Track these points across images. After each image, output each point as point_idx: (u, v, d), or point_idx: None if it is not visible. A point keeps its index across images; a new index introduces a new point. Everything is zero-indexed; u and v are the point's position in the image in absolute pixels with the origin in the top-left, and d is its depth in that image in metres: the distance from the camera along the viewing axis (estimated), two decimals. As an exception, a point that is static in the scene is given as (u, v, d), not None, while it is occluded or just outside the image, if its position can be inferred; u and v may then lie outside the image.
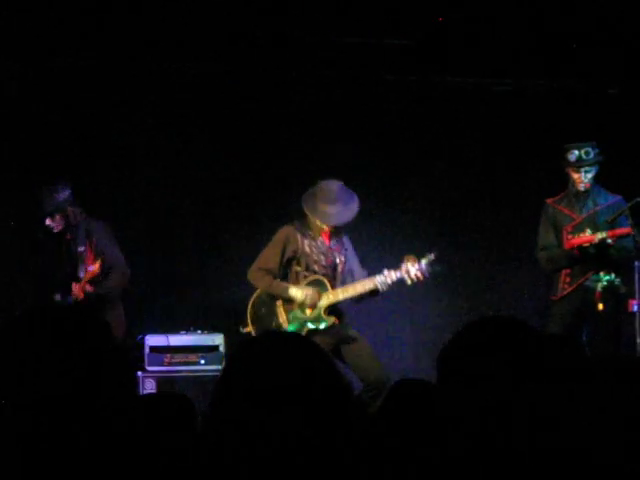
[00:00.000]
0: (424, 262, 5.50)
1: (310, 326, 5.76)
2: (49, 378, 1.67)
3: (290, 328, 5.74)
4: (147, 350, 6.47)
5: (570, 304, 6.02)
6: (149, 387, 6.32)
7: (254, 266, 5.90)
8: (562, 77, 7.33)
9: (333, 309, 5.76)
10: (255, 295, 5.99)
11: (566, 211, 6.15)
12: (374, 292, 5.72)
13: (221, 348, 6.53)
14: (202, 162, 7.29)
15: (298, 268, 5.82)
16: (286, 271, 5.88)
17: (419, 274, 5.47)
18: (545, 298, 6.32)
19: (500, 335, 1.72)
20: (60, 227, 6.21)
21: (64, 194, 6.15)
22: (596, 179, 6.11)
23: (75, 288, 6.10)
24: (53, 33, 6.56)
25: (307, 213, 5.78)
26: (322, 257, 5.80)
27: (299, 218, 5.88)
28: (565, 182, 6.19)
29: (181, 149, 7.26)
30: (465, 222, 7.51)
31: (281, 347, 1.66)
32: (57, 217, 6.18)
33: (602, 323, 5.87)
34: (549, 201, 6.26)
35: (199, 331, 6.65)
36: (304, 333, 5.67)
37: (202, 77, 7.22)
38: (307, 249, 5.80)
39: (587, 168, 6.03)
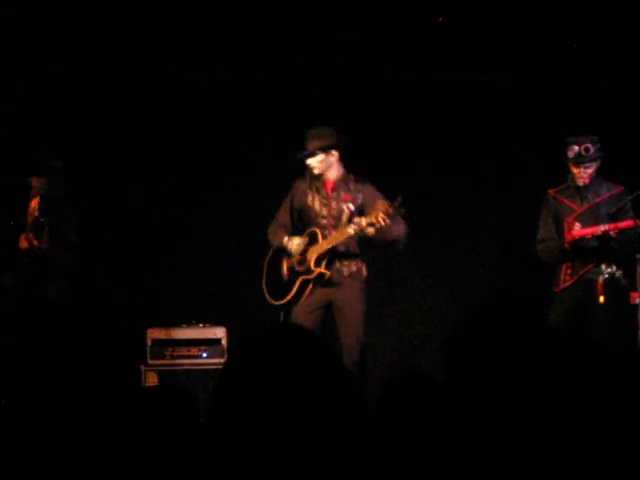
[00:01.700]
0: (391, 210, 5.52)
1: (302, 278, 5.83)
2: (56, 376, 1.68)
3: (287, 279, 5.87)
4: (149, 343, 6.48)
5: (571, 296, 6.03)
6: (151, 380, 6.34)
7: (272, 222, 6.06)
8: (561, 71, 7.31)
9: (326, 261, 5.79)
10: (271, 251, 6.06)
11: (567, 202, 6.15)
12: (372, 239, 5.71)
13: (223, 341, 6.53)
14: (203, 156, 7.30)
15: (304, 220, 5.93)
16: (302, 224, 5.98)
17: (385, 218, 5.50)
18: (542, 289, 6.33)
19: (502, 325, 1.72)
20: (39, 192, 6.19)
21: (58, 163, 6.17)
22: (597, 171, 6.11)
23: (21, 238, 6.11)
24: (48, 33, 6.59)
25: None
26: (324, 208, 5.88)
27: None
28: (565, 173, 6.19)
29: (183, 143, 7.28)
30: (461, 215, 7.51)
31: (283, 340, 1.66)
32: (43, 180, 6.17)
33: (602, 315, 5.87)
34: (551, 192, 6.26)
35: (201, 324, 6.65)
36: (298, 284, 5.80)
37: (201, 74, 7.23)
38: (309, 202, 5.90)
39: (587, 165, 6.04)
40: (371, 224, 5.54)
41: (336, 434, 1.55)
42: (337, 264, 5.82)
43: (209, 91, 7.31)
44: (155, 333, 6.52)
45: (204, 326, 6.63)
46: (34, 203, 6.08)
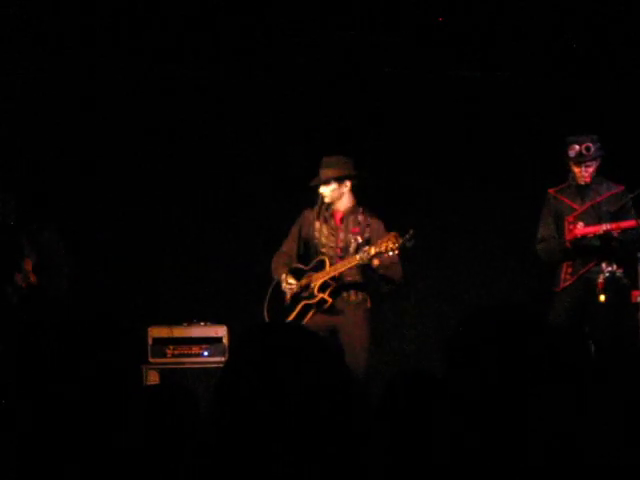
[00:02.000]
0: (401, 241, 5.51)
1: (304, 302, 5.82)
2: (56, 376, 1.68)
3: (290, 303, 5.86)
4: (150, 342, 6.49)
5: (572, 295, 6.03)
6: (152, 379, 6.34)
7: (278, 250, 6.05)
8: (561, 71, 7.30)
9: (331, 289, 5.77)
10: (274, 282, 6.05)
11: (568, 201, 6.15)
12: (375, 270, 5.69)
13: (224, 340, 6.54)
14: (203, 156, 7.30)
15: (310, 250, 5.93)
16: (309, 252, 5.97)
17: (395, 249, 5.49)
18: (542, 289, 6.33)
19: (503, 325, 1.72)
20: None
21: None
22: (598, 170, 6.11)
23: (18, 277, 6.11)
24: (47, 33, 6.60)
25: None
26: (332, 238, 5.87)
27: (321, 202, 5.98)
28: (565, 172, 6.20)
29: (183, 142, 7.28)
30: (461, 215, 7.50)
31: (283, 339, 1.66)
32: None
33: (603, 314, 5.87)
34: (551, 191, 6.26)
35: (202, 323, 6.66)
36: (299, 308, 5.81)
37: (201, 72, 7.23)
38: (316, 232, 5.89)
39: (588, 163, 6.04)
40: (379, 253, 5.52)
41: (337, 433, 1.56)
42: (343, 293, 5.81)
43: (209, 91, 7.29)
44: (156, 332, 6.53)
45: (205, 325, 6.64)
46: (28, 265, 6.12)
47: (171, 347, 6.51)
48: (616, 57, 7.11)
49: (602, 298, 5.80)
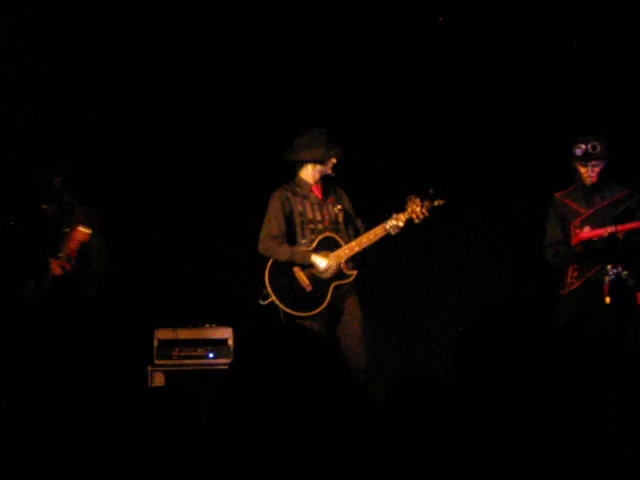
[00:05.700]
0: (427, 200, 5.65)
1: (335, 283, 5.82)
2: (56, 369, 1.69)
3: (314, 289, 5.80)
4: (156, 343, 6.50)
5: (578, 298, 6.02)
6: (158, 381, 6.35)
7: (262, 238, 5.94)
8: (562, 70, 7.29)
9: (352, 262, 5.86)
10: (269, 265, 5.90)
11: (574, 205, 6.15)
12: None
13: (230, 342, 6.55)
14: (206, 157, 7.30)
15: (293, 228, 5.91)
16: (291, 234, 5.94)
17: (425, 211, 5.64)
18: (547, 291, 6.33)
19: (508, 328, 1.73)
20: (56, 212, 6.18)
21: (60, 179, 6.13)
22: (604, 172, 6.10)
23: (53, 264, 6.05)
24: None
25: (311, 161, 5.89)
26: (317, 213, 5.91)
27: (286, 182, 6.01)
28: (570, 177, 6.19)
29: (184, 144, 7.27)
30: (464, 217, 7.47)
31: (288, 340, 1.67)
32: (53, 205, 6.17)
33: (609, 316, 5.87)
34: (557, 195, 6.26)
35: (208, 325, 6.67)
36: (331, 291, 5.77)
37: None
38: (300, 208, 5.91)
39: (595, 162, 6.03)
40: (409, 220, 5.62)
41: (340, 434, 1.56)
42: (350, 263, 5.88)
43: (208, 89, 7.29)
44: (162, 333, 6.54)
45: (211, 326, 6.65)
46: (81, 235, 5.96)
47: (177, 349, 6.52)
48: (618, 56, 7.10)
49: (607, 300, 5.79)
